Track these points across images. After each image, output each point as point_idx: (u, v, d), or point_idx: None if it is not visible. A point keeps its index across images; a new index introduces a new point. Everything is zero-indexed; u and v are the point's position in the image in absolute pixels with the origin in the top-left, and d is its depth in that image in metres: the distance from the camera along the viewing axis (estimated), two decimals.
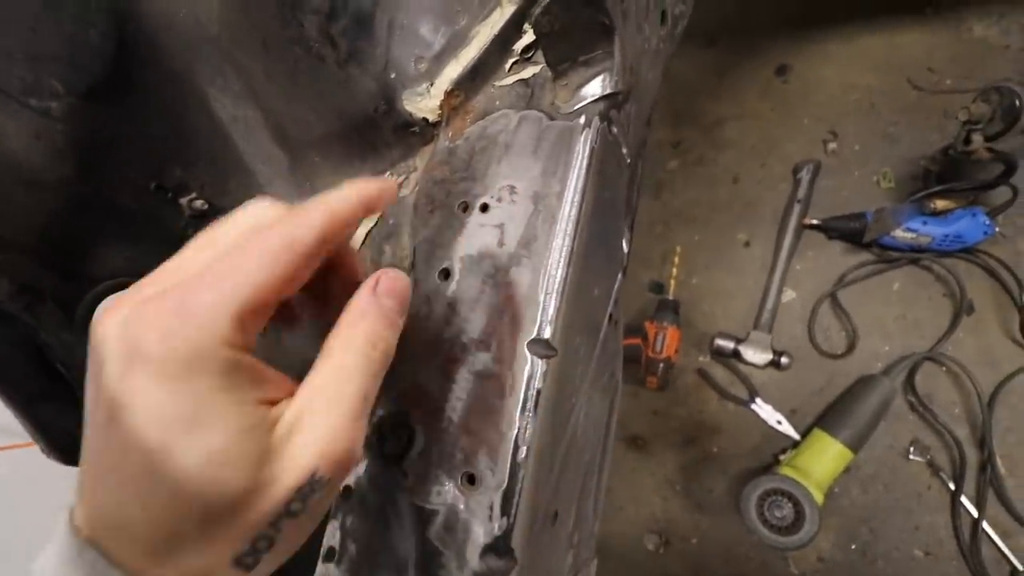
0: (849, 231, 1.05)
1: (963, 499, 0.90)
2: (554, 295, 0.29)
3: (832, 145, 1.14)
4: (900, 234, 0.98)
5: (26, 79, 0.30)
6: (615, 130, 0.33)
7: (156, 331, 0.20)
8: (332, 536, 0.30)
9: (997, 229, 0.95)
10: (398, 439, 0.30)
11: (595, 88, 0.32)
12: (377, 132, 0.38)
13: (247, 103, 0.39)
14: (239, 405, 0.21)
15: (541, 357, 0.28)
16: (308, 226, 0.23)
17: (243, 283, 0.21)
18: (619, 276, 0.38)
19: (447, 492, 0.28)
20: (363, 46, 0.34)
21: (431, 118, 0.36)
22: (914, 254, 1.01)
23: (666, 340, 1.12)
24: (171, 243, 0.38)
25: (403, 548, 0.28)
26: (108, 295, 0.33)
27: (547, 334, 0.28)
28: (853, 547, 0.97)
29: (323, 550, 0.30)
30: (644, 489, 1.17)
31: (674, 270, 1.20)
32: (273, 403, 0.22)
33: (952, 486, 0.92)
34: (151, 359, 0.20)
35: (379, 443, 0.30)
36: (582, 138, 0.31)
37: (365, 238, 0.38)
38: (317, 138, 0.39)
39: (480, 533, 0.26)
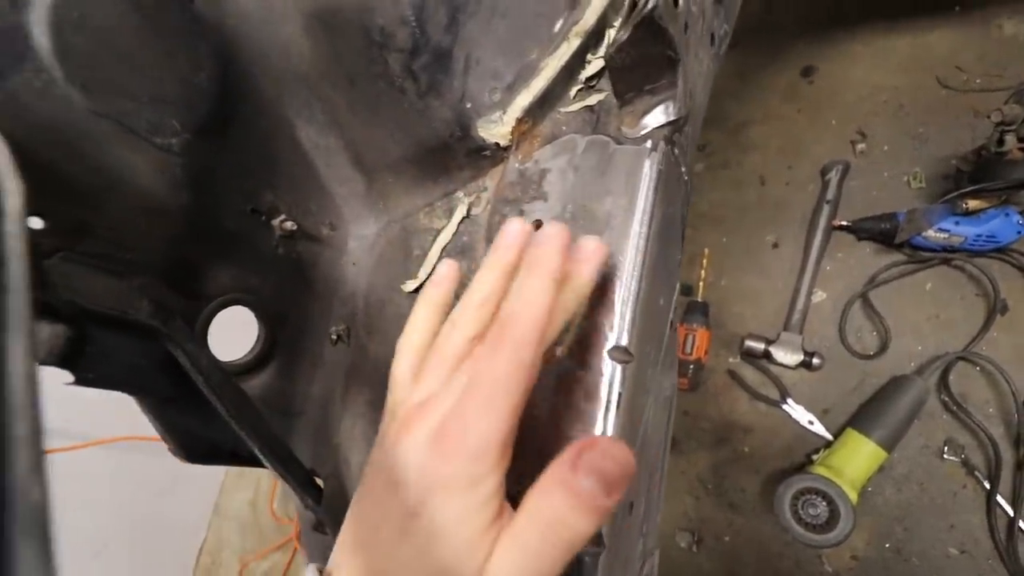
0: (880, 232, 1.06)
1: (999, 498, 0.91)
2: (630, 305, 0.31)
3: (861, 146, 1.15)
4: (932, 234, 0.99)
5: (152, 120, 0.34)
6: (677, 152, 0.36)
7: (448, 464, 0.23)
8: None
9: None
10: None
11: (659, 114, 0.34)
12: (450, 155, 0.41)
13: (330, 132, 0.42)
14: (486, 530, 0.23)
15: (621, 363, 0.31)
16: (528, 344, 0.24)
17: (502, 413, 0.24)
18: (677, 286, 0.41)
19: None
20: (442, 79, 0.38)
21: (502, 143, 0.39)
22: (946, 254, 1.01)
23: (696, 341, 1.14)
24: (266, 261, 0.42)
25: None
26: (220, 310, 0.37)
27: (625, 341, 0.31)
28: (887, 546, 0.98)
29: None
30: (676, 488, 1.19)
31: (703, 272, 1.22)
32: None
33: (987, 485, 0.92)
34: (447, 486, 0.23)
35: None
36: (649, 161, 0.34)
37: (441, 253, 0.41)
38: (393, 161, 0.43)
39: None
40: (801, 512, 0.94)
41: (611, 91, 0.36)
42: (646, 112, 0.35)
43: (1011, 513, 0.90)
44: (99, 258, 0.30)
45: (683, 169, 0.38)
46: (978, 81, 1.09)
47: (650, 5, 0.28)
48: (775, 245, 1.19)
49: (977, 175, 0.97)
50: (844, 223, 1.09)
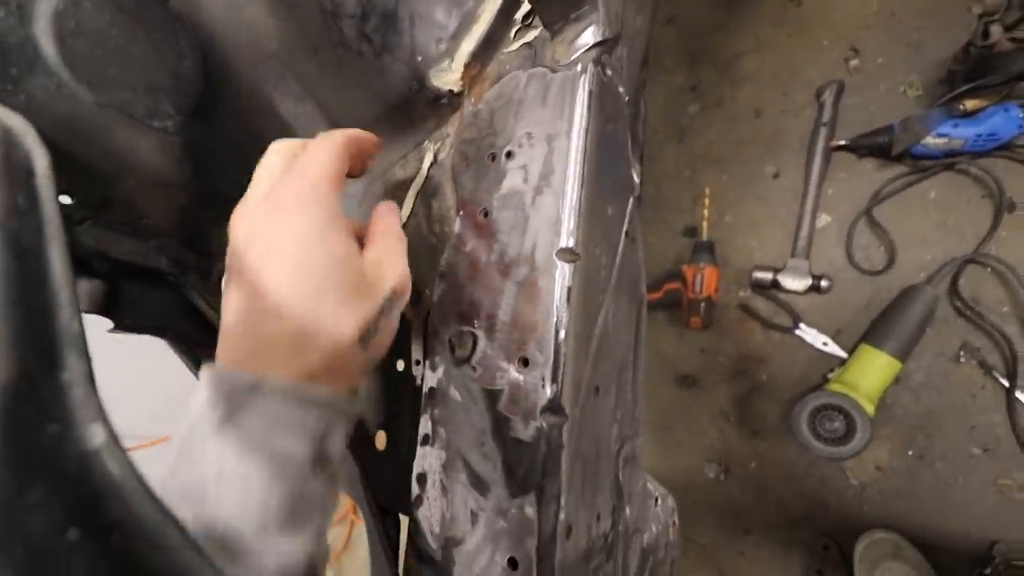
0: (878, 146, 1.04)
1: (1018, 394, 0.91)
2: (573, 212, 0.35)
3: (854, 62, 1.13)
4: (931, 141, 0.97)
5: (148, 106, 0.39)
6: (609, 72, 0.39)
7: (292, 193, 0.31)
8: (425, 425, 0.39)
9: None
10: (464, 345, 0.38)
11: (587, 38, 0.38)
12: (414, 107, 0.45)
13: (305, 101, 0.47)
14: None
15: (568, 262, 0.35)
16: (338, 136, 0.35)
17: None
18: (631, 199, 0.44)
19: (508, 374, 0.35)
20: (392, 38, 0.42)
21: (456, 89, 0.43)
22: (948, 159, 0.99)
23: (705, 280, 1.16)
24: None
25: (480, 422, 0.36)
26: None
27: (571, 244, 0.35)
28: (910, 453, 1.00)
29: (420, 437, 0.39)
30: (700, 423, 1.23)
31: (705, 212, 1.23)
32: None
33: (1006, 383, 0.92)
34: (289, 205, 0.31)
35: (451, 351, 0.39)
36: (581, 82, 0.37)
37: (416, 196, 0.46)
38: (366, 122, 0.47)
39: (537, 399, 0.34)
40: (819, 428, 0.96)
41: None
42: (575, 38, 0.38)
43: None
44: (122, 224, 0.36)
45: (621, 89, 0.41)
46: None
47: None
48: (775, 175, 1.19)
49: (972, 73, 0.95)
50: (842, 142, 1.08)
